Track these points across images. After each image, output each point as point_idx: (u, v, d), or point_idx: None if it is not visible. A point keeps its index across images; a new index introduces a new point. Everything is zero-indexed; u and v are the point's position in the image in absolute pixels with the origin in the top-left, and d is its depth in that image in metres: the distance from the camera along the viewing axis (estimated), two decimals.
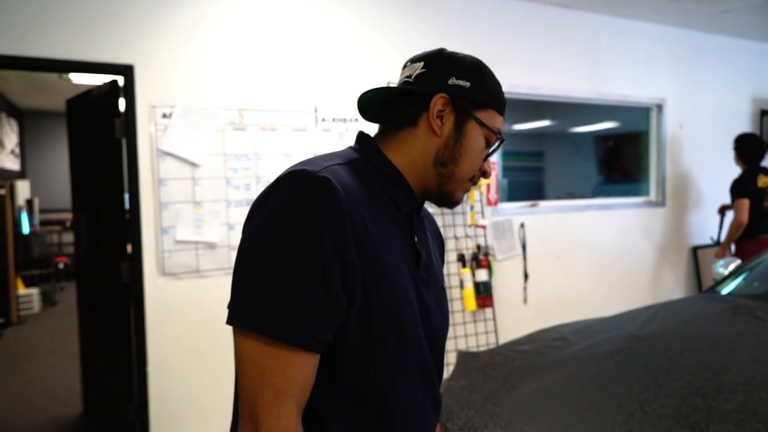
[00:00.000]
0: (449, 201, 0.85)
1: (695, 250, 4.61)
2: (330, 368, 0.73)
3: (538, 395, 1.52)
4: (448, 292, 3.31)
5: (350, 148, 0.85)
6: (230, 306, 0.70)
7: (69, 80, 4.57)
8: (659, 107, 4.39)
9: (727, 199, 4.73)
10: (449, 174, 0.82)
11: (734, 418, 1.25)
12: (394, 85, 0.86)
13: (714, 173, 4.70)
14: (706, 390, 1.38)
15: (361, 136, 0.86)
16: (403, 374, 0.78)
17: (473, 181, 0.86)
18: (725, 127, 4.73)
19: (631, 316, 2.11)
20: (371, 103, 0.88)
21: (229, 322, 0.69)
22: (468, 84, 0.82)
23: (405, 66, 0.87)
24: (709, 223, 4.70)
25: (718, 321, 1.84)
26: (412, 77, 0.83)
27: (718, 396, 1.35)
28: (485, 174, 0.86)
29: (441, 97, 0.80)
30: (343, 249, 0.69)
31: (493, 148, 0.85)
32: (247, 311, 0.67)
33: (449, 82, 0.81)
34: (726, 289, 2.40)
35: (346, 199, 0.71)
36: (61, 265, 6.95)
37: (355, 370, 0.74)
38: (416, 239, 0.84)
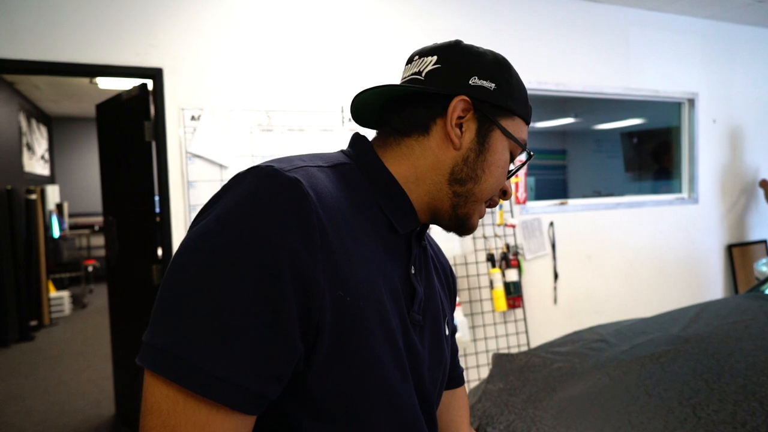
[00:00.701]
0: (462, 226, 0.70)
1: (730, 249, 4.48)
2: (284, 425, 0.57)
3: (582, 399, 1.47)
4: (477, 292, 3.29)
5: (341, 151, 0.70)
6: (144, 337, 0.52)
7: (96, 86, 4.64)
8: (691, 102, 4.27)
9: (762, 198, 4.60)
10: (467, 194, 0.67)
11: None
12: (400, 83, 0.70)
13: (749, 169, 4.57)
14: (762, 394, 1.32)
15: (356, 139, 0.71)
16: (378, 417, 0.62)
17: (491, 204, 0.71)
18: (761, 121, 4.58)
19: (672, 316, 2.04)
20: (369, 106, 0.73)
21: (139, 359, 0.52)
22: (493, 86, 0.67)
23: (411, 60, 0.71)
24: (744, 220, 4.56)
25: (767, 322, 1.76)
26: (423, 74, 0.68)
27: None
28: (505, 194, 0.72)
29: (462, 101, 0.66)
30: (307, 275, 0.53)
31: (519, 163, 0.74)
32: (164, 347, 0.50)
33: (471, 82, 0.66)
34: None
35: (318, 209, 0.55)
36: (90, 268, 7.08)
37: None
38: (413, 271, 0.68)
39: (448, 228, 0.71)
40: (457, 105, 0.66)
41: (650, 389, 1.44)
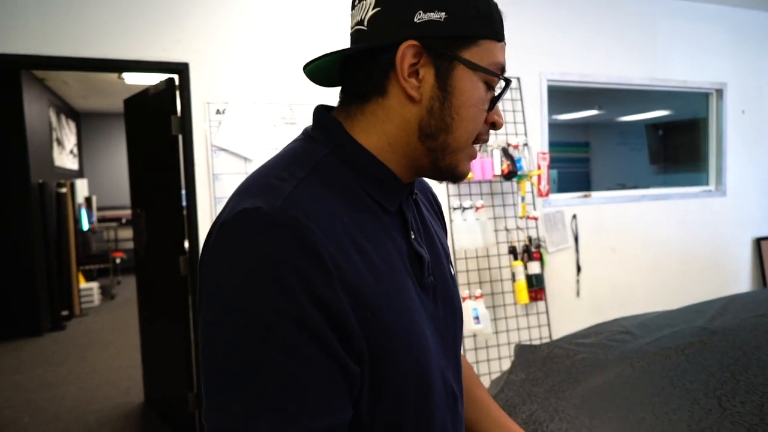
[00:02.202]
0: (451, 176, 0.64)
1: (759, 242, 4.38)
2: None
3: (605, 389, 1.48)
4: (499, 285, 3.29)
5: (308, 136, 0.64)
6: (211, 422, 0.51)
7: (123, 81, 4.74)
8: (719, 92, 4.18)
9: None
10: (442, 146, 0.61)
11: None
12: (344, 47, 0.62)
13: None
14: None
15: (321, 115, 0.64)
16: (437, 406, 0.63)
17: (481, 140, 0.63)
18: None
19: (698, 309, 2.02)
20: (326, 72, 0.66)
21: None
22: (443, 14, 0.57)
23: (354, 5, 0.63)
24: None
25: None
26: (365, 22, 0.60)
27: None
28: (495, 126, 0.63)
29: (409, 47, 0.57)
30: (334, 308, 0.51)
31: (498, 91, 0.62)
32: (238, 430, 0.49)
33: (416, 19, 0.57)
34: None
35: (322, 237, 0.52)
36: (117, 260, 7.25)
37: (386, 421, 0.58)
38: (413, 236, 0.65)
39: (437, 179, 0.66)
40: (405, 53, 0.57)
41: (675, 380, 1.43)
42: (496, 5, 0.63)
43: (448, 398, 0.67)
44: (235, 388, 0.49)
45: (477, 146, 0.65)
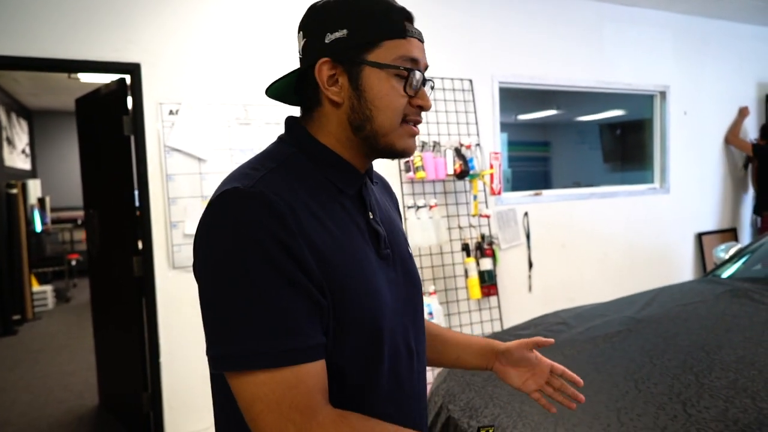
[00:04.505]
0: (394, 154, 0.77)
1: (700, 237, 4.62)
2: None
3: None
4: (452, 281, 3.38)
5: (280, 139, 0.80)
6: (212, 352, 0.65)
7: (77, 80, 4.64)
8: (663, 94, 4.39)
9: (731, 188, 4.77)
10: (372, 134, 0.74)
11: (724, 394, 1.30)
12: (288, 71, 0.79)
13: (718, 159, 4.70)
14: (698, 368, 1.42)
15: (290, 124, 0.80)
16: (388, 358, 0.75)
17: (410, 120, 0.76)
18: (730, 113, 4.72)
19: (630, 300, 2.15)
20: (284, 93, 0.82)
21: (218, 369, 0.65)
22: (345, 31, 0.72)
23: (297, 38, 0.80)
24: (713, 209, 4.71)
25: (714, 303, 1.87)
26: (300, 52, 0.78)
27: (710, 374, 1.39)
28: (422, 108, 0.76)
29: (323, 63, 0.73)
30: (297, 255, 0.65)
31: (414, 79, 0.74)
32: (235, 353, 0.63)
33: (327, 40, 0.73)
34: (726, 273, 2.43)
35: (285, 205, 0.66)
36: (73, 262, 7.07)
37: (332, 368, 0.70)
38: (371, 216, 0.79)
39: (389, 158, 0.79)
40: (321, 69, 0.73)
41: (599, 366, 1.54)
42: (396, 8, 0.76)
43: (406, 352, 0.80)
44: (228, 320, 0.64)
45: (412, 124, 0.77)
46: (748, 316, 1.71)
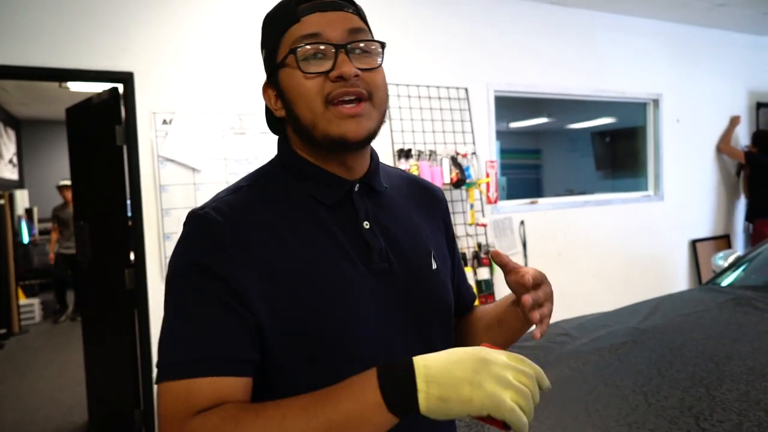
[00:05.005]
0: (336, 144, 0.70)
1: (694, 244, 4.63)
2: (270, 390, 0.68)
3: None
4: None
5: (275, 156, 0.80)
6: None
7: (67, 89, 4.58)
8: (656, 102, 4.41)
9: (724, 195, 4.80)
10: (306, 131, 0.71)
11: (737, 407, 1.27)
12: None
13: (711, 167, 4.73)
14: (709, 380, 1.40)
15: (278, 141, 0.79)
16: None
17: (335, 97, 0.68)
18: (722, 120, 4.75)
19: (632, 310, 2.13)
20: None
21: (155, 382, 0.66)
22: (265, 51, 0.75)
23: None
24: (707, 216, 4.72)
25: (718, 312, 1.86)
26: None
27: (720, 386, 1.37)
28: (341, 77, 0.68)
29: (263, 87, 0.77)
30: (225, 273, 0.65)
31: (304, 53, 0.69)
32: (161, 364, 0.64)
33: (264, 67, 0.77)
34: (726, 281, 2.42)
35: (227, 226, 0.67)
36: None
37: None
38: (367, 226, 0.74)
39: (346, 150, 0.72)
40: (264, 91, 0.77)
41: (607, 379, 1.51)
42: (282, 6, 0.73)
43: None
44: (165, 334, 0.67)
45: (341, 104, 0.69)
46: (753, 325, 1.69)
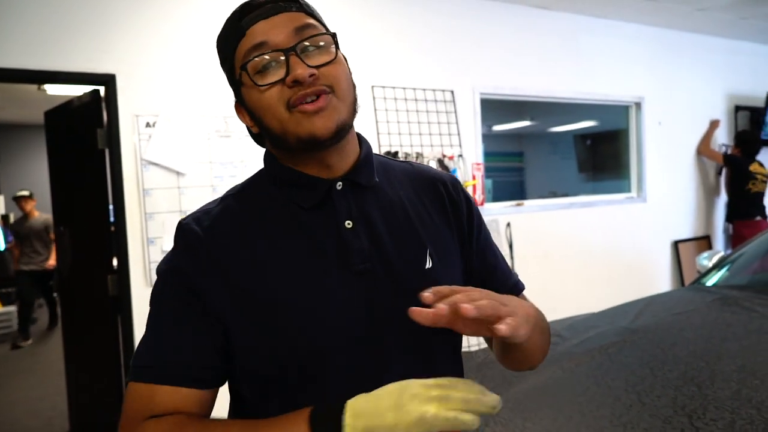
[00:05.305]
0: (308, 144, 0.68)
1: (677, 244, 4.70)
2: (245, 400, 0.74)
3: (537, 391, 1.53)
4: None
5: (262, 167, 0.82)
6: None
7: (45, 92, 4.49)
8: (638, 105, 4.47)
9: (704, 197, 4.88)
10: (278, 139, 0.70)
11: (729, 405, 1.28)
12: None
13: (691, 169, 4.80)
14: (700, 379, 1.41)
15: (264, 154, 0.80)
16: (323, 390, 0.67)
17: (297, 100, 0.67)
18: (702, 123, 4.83)
19: (621, 310, 2.14)
20: None
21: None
22: (225, 71, 0.75)
23: None
24: (688, 217, 4.79)
25: (707, 312, 1.87)
26: None
27: (712, 384, 1.37)
28: (296, 80, 0.66)
29: (236, 109, 0.77)
30: (197, 285, 0.69)
31: (255, 66, 0.68)
32: (132, 364, 0.71)
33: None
34: (710, 281, 2.45)
35: (203, 238, 0.70)
36: None
37: (275, 401, 0.69)
38: (349, 225, 0.72)
39: (311, 151, 0.70)
40: (239, 113, 0.77)
41: (599, 379, 1.51)
42: (234, 13, 0.72)
43: (371, 383, 0.66)
44: (143, 336, 0.72)
45: (306, 104, 0.67)
46: (742, 324, 1.71)
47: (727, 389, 1.34)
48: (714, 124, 4.80)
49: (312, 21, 0.71)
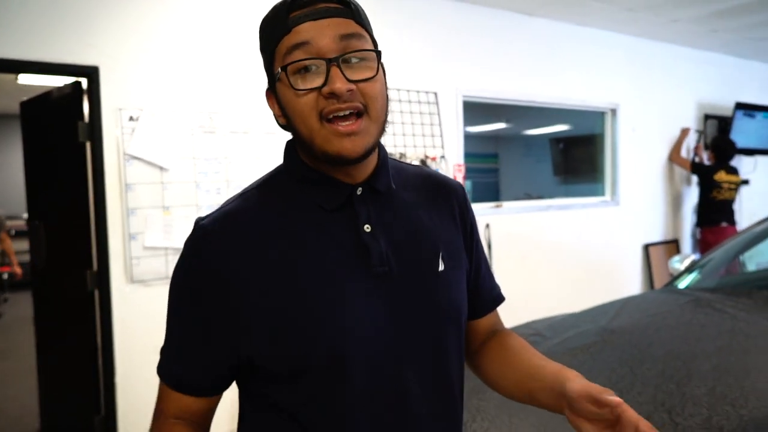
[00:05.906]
0: (334, 160, 0.69)
1: (647, 248, 4.85)
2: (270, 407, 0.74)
3: None
4: None
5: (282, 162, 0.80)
6: None
7: (16, 82, 4.36)
8: (614, 111, 4.59)
9: (673, 202, 5.03)
10: (306, 145, 0.70)
11: (706, 401, 1.34)
12: None
13: (663, 174, 4.96)
14: (678, 377, 1.47)
15: (285, 145, 0.78)
16: (359, 399, 0.70)
17: (329, 113, 0.67)
18: (674, 130, 4.99)
19: (599, 311, 2.20)
20: None
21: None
22: (263, 57, 0.73)
23: None
24: (658, 221, 4.95)
25: (681, 313, 1.95)
26: None
27: (689, 382, 1.44)
28: (332, 94, 0.65)
29: (266, 95, 0.75)
30: (208, 290, 0.70)
31: (296, 69, 0.67)
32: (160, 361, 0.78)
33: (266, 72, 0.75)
34: (683, 284, 2.54)
35: (218, 240, 0.70)
36: (5, 276, 6.59)
37: (295, 407, 0.71)
38: (368, 229, 0.73)
39: (342, 164, 0.70)
40: (268, 100, 0.75)
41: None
42: (279, 6, 0.69)
43: (390, 388, 0.72)
44: (165, 335, 0.77)
45: (339, 122, 0.67)
46: (715, 325, 1.79)
47: (704, 387, 1.41)
48: (684, 132, 4.96)
49: (360, 30, 0.70)
